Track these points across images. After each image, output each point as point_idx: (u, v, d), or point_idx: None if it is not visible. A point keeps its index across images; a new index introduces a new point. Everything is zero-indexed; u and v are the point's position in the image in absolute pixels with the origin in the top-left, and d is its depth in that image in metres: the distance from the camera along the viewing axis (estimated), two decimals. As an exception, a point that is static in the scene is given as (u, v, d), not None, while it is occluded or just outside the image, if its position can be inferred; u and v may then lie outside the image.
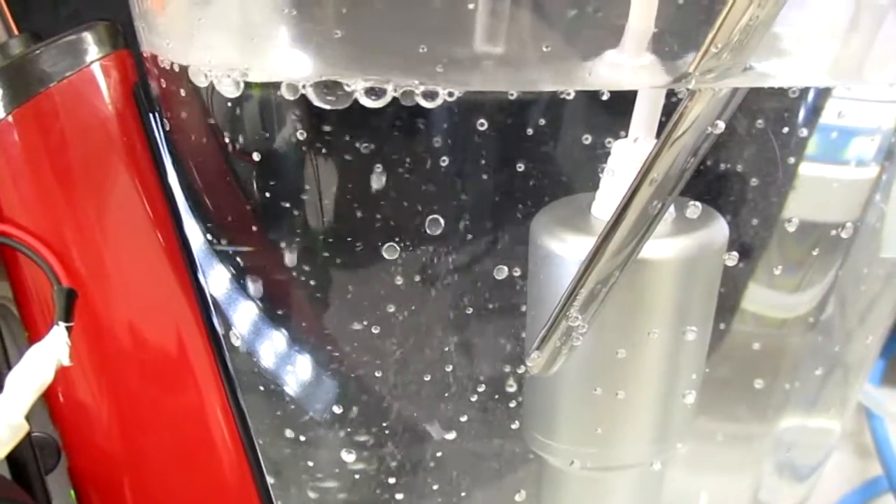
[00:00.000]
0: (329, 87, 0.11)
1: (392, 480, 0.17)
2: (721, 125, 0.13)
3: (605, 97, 0.15)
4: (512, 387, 0.17)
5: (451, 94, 0.12)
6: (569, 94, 0.15)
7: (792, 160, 0.17)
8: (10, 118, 0.13)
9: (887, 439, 0.31)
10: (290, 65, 0.12)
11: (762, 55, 0.15)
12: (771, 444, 0.21)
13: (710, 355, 0.17)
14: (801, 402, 0.19)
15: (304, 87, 0.12)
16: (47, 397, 0.13)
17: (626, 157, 0.15)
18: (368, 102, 0.12)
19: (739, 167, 0.17)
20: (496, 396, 0.17)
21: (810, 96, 0.17)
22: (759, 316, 0.18)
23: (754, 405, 0.20)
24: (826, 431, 0.20)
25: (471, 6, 0.12)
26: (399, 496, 0.17)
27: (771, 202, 0.17)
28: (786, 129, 0.17)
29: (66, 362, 0.10)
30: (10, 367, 0.13)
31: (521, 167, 0.16)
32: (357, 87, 0.11)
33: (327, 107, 0.12)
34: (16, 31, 0.15)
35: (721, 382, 0.19)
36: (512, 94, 0.15)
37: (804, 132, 0.17)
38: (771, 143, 0.16)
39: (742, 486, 0.22)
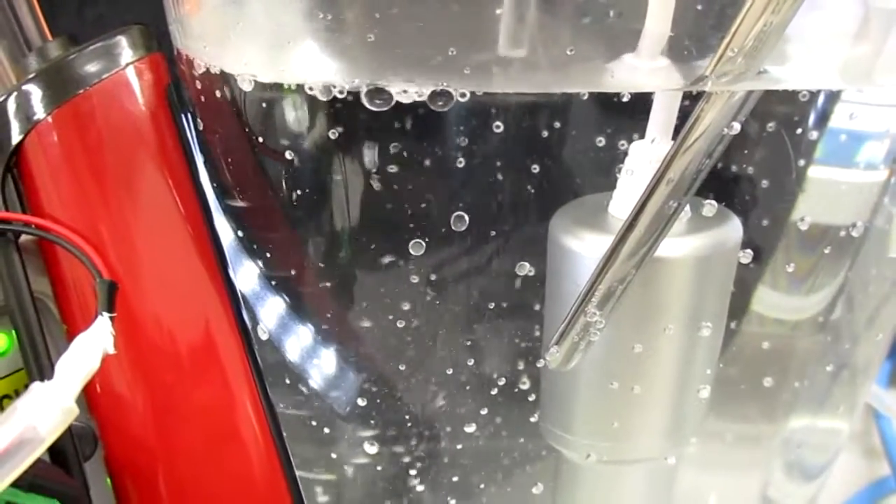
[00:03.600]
0: (366, 90, 0.12)
1: (413, 472, 0.17)
2: (736, 127, 0.13)
3: (623, 99, 0.15)
4: (528, 382, 0.18)
5: (463, 96, 0.12)
6: (587, 97, 0.16)
7: (803, 162, 0.17)
8: (49, 119, 0.14)
9: (894, 439, 0.32)
10: (325, 68, 0.13)
11: (776, 59, 0.15)
12: (780, 443, 0.21)
13: (722, 355, 0.18)
14: (809, 402, 0.20)
15: (340, 91, 0.12)
16: (85, 388, 0.13)
17: (643, 158, 0.16)
18: (404, 98, 0.12)
19: (752, 169, 0.17)
20: (515, 391, 0.17)
21: (821, 100, 0.17)
22: (769, 316, 0.18)
23: (764, 405, 0.20)
24: (834, 431, 0.20)
25: (498, 11, 0.12)
26: (420, 487, 0.17)
27: (782, 203, 0.17)
28: (798, 132, 0.17)
29: (111, 350, 0.11)
30: (49, 359, 0.14)
31: (540, 167, 0.17)
32: (393, 89, 0.12)
33: (373, 108, 0.12)
34: (49, 36, 0.16)
35: (731, 382, 0.19)
36: (533, 98, 0.16)
37: (815, 135, 0.17)
38: (783, 145, 0.17)
39: (751, 485, 0.22)
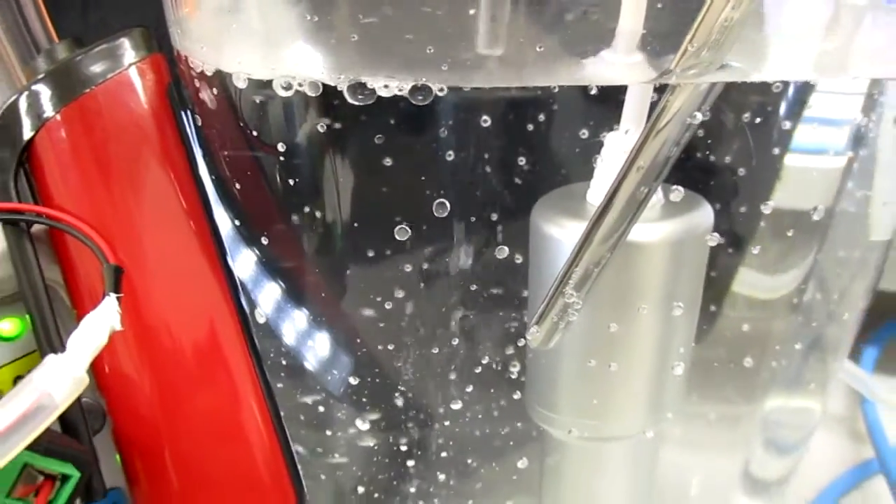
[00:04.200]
0: (348, 86, 0.13)
1: (404, 447, 0.18)
2: (699, 116, 0.14)
3: (599, 93, 0.16)
4: (515, 363, 0.19)
5: (441, 90, 0.13)
6: (568, 91, 0.16)
7: (777, 151, 0.18)
8: (58, 117, 0.15)
9: (879, 423, 0.33)
10: (312, 66, 0.14)
11: (740, 52, 0.16)
12: (759, 422, 0.22)
13: (699, 336, 0.19)
14: (784, 381, 0.20)
15: (325, 86, 0.13)
16: (94, 369, 0.14)
17: (617, 148, 0.17)
18: (385, 93, 0.13)
19: (726, 157, 0.18)
20: (501, 371, 0.18)
21: (793, 90, 0.18)
22: (741, 298, 0.19)
23: (741, 385, 0.21)
24: (808, 409, 0.21)
25: (472, 12, 0.13)
26: (410, 462, 0.18)
27: (754, 190, 0.18)
28: (772, 122, 0.18)
29: (118, 327, 0.12)
30: (60, 340, 0.15)
31: (522, 158, 0.18)
32: (375, 84, 0.13)
33: (356, 103, 0.13)
34: (55, 38, 0.17)
35: (710, 363, 0.20)
36: (515, 91, 0.17)
37: (789, 125, 0.18)
38: (757, 134, 0.18)
39: (734, 462, 0.23)
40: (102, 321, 0.11)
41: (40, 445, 0.11)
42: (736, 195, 0.18)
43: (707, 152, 0.18)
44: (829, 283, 0.19)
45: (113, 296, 0.12)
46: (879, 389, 0.32)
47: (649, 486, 0.20)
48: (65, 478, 0.11)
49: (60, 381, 0.10)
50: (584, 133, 0.17)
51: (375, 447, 0.18)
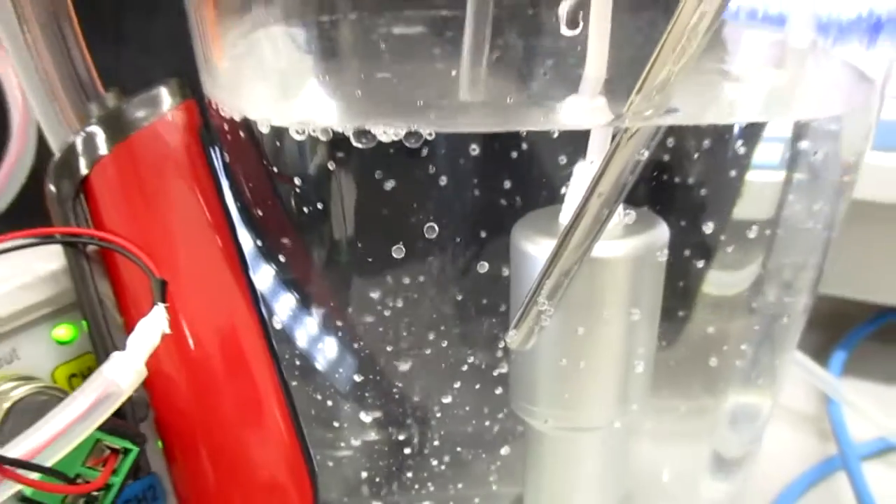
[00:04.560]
0: (354, 132, 0.16)
1: (402, 437, 0.21)
2: (645, 153, 0.17)
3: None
4: (498, 363, 0.21)
5: (430, 135, 0.16)
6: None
7: (734, 173, 0.21)
8: (109, 155, 0.17)
9: (842, 423, 0.35)
10: (323, 115, 0.16)
11: (687, 96, 0.19)
12: (718, 414, 0.24)
13: (662, 337, 0.21)
14: (737, 377, 0.23)
15: (335, 132, 0.16)
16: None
17: (583, 177, 0.19)
18: (384, 138, 0.16)
19: (682, 176, 0.21)
20: (487, 369, 0.21)
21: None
22: (700, 302, 0.22)
23: (701, 381, 0.24)
24: (760, 402, 0.24)
25: (454, 73, 0.16)
26: (407, 450, 0.21)
27: (706, 204, 0.21)
28: (730, 147, 0.21)
29: (167, 330, 0.14)
30: (112, 343, 0.17)
31: (507, 185, 0.20)
32: (376, 131, 0.15)
33: (358, 145, 0.16)
34: (101, 86, 0.20)
35: (672, 361, 0.23)
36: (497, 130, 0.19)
37: (744, 150, 0.21)
38: (704, 155, 0.21)
39: (701, 451, 0.26)
40: (154, 325, 0.14)
41: (106, 425, 0.13)
42: (696, 211, 0.21)
43: (670, 174, 0.21)
44: (775, 285, 0.22)
45: (161, 305, 0.14)
46: (845, 392, 0.35)
47: (621, 471, 0.23)
48: (126, 451, 0.14)
49: (125, 373, 0.13)
50: (563, 159, 0.20)
51: (377, 437, 0.21)
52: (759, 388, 0.23)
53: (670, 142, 0.20)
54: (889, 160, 0.31)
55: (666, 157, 0.21)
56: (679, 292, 0.21)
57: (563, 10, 0.16)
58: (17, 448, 0.12)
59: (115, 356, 0.13)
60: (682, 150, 0.21)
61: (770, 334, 0.22)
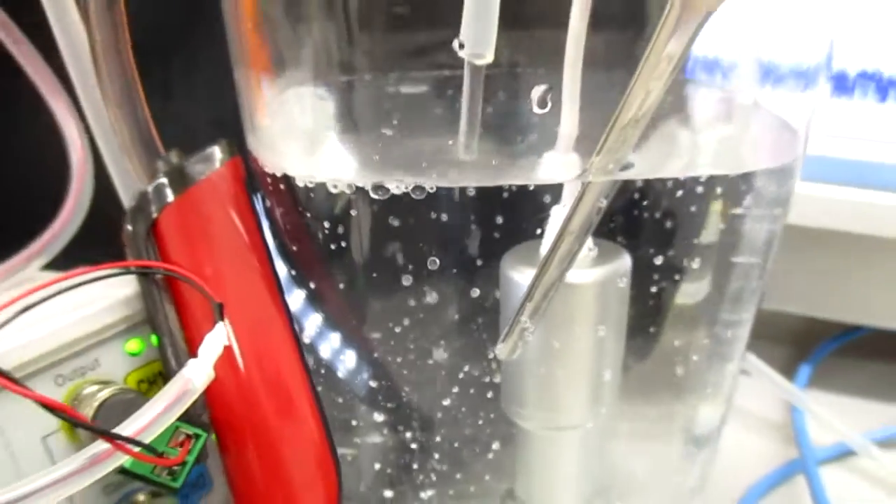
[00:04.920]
0: (371, 186, 0.20)
1: (409, 434, 0.24)
2: (604, 202, 0.21)
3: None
4: (492, 373, 0.25)
5: (433, 188, 0.20)
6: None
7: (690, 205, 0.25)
8: (174, 202, 0.22)
9: (804, 430, 0.38)
10: (345, 173, 0.20)
11: (643, 155, 0.23)
12: (680, 417, 0.28)
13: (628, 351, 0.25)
14: (694, 384, 0.27)
15: (356, 186, 0.20)
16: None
17: (558, 218, 0.23)
18: (396, 191, 0.20)
19: (643, 215, 0.25)
20: (482, 378, 0.25)
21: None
22: (661, 317, 0.26)
23: (666, 388, 0.27)
24: (716, 407, 0.28)
25: (450, 142, 0.20)
26: (414, 445, 0.25)
27: (659, 237, 0.25)
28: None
29: (227, 343, 0.18)
30: (179, 359, 0.21)
31: (497, 223, 0.24)
32: (390, 185, 0.20)
33: (375, 196, 0.20)
34: (161, 146, 0.24)
35: (639, 370, 0.26)
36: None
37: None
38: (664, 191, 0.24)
39: (669, 451, 0.29)
40: (217, 339, 0.18)
41: (183, 416, 0.17)
42: (657, 243, 0.25)
43: (636, 212, 0.25)
44: (721, 305, 0.26)
45: (222, 323, 0.18)
46: (807, 401, 0.38)
47: (597, 465, 0.27)
48: (197, 437, 0.18)
49: (198, 375, 0.17)
50: (544, 202, 0.24)
51: (387, 435, 0.25)
52: (710, 395, 0.27)
53: (637, 185, 0.24)
54: (830, 192, 0.35)
55: (634, 196, 0.25)
56: (640, 312, 0.25)
57: (535, 94, 0.20)
58: (124, 429, 0.16)
59: (191, 362, 0.17)
60: (644, 192, 0.25)
61: (717, 347, 0.26)
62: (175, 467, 0.18)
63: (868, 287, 0.41)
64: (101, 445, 0.15)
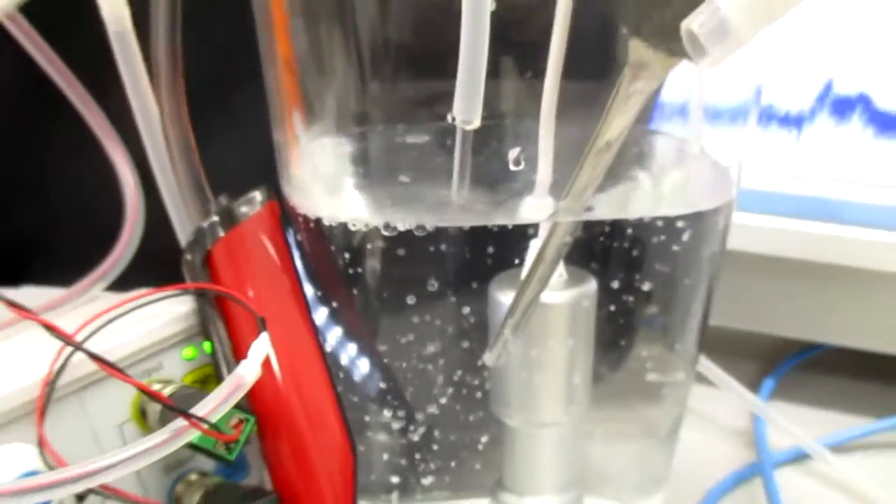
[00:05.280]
0: (383, 224, 0.25)
1: (412, 428, 0.29)
2: (569, 239, 0.26)
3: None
4: (483, 375, 0.30)
5: (431, 227, 0.25)
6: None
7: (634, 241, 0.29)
8: (224, 237, 0.27)
9: (764, 436, 0.42)
10: (361, 214, 0.26)
11: (603, 199, 0.28)
12: (644, 421, 0.33)
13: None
14: (649, 391, 0.32)
15: (369, 225, 0.25)
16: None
17: (535, 249, 0.28)
18: (401, 228, 0.25)
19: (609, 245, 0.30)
20: (477, 383, 0.30)
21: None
22: (622, 331, 0.31)
23: (634, 394, 0.32)
24: (672, 411, 0.32)
25: (445, 192, 0.25)
26: (415, 437, 0.29)
27: (622, 264, 0.29)
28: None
29: (269, 349, 0.23)
30: (228, 363, 0.26)
31: (487, 253, 0.29)
32: (398, 224, 0.25)
33: (386, 233, 0.25)
34: (211, 197, 0.29)
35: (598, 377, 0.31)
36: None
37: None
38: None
39: (629, 446, 0.34)
40: (262, 346, 0.23)
41: (236, 404, 0.22)
42: (621, 270, 0.30)
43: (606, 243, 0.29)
44: (673, 318, 0.30)
45: (265, 333, 0.23)
46: (768, 410, 0.43)
47: (572, 457, 0.31)
48: (247, 420, 0.23)
49: (249, 372, 0.22)
50: (528, 234, 0.29)
51: (394, 430, 0.30)
52: (665, 397, 0.32)
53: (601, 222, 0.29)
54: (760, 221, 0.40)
55: (600, 231, 0.29)
56: (605, 327, 0.30)
57: (511, 155, 0.25)
58: (197, 411, 0.20)
59: (243, 363, 0.22)
60: (606, 228, 0.30)
61: (669, 357, 0.31)
62: (231, 444, 0.23)
63: (826, 308, 0.45)
64: (179, 423, 0.20)
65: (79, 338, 0.22)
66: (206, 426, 0.20)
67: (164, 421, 0.22)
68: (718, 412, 0.45)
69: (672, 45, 0.21)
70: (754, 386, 0.46)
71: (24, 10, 0.30)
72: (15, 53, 0.30)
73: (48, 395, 0.21)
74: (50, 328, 0.20)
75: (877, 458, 0.41)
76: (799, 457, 0.41)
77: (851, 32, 0.40)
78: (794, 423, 0.39)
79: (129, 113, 0.29)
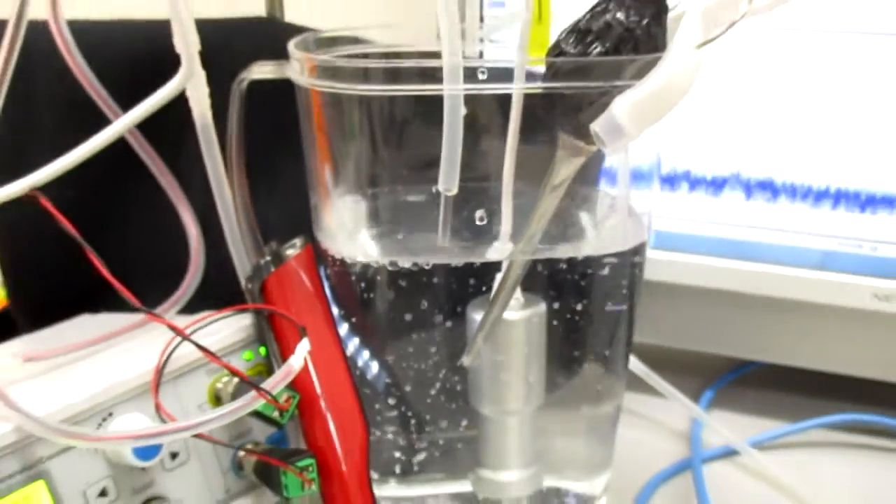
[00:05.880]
0: (389, 262, 0.35)
1: (409, 413, 0.39)
2: (521, 272, 0.36)
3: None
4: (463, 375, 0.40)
5: (426, 264, 0.35)
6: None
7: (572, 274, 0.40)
8: (275, 272, 0.37)
9: (698, 436, 0.50)
10: (374, 254, 0.36)
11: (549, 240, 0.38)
12: (585, 419, 0.42)
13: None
14: (586, 391, 0.41)
15: (380, 263, 0.36)
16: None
17: (498, 280, 0.38)
18: (403, 266, 0.36)
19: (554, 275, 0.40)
20: (456, 378, 0.39)
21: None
22: (570, 342, 0.40)
23: (580, 396, 0.42)
24: (610, 412, 0.42)
25: (434, 239, 0.35)
26: (413, 422, 0.39)
27: (565, 291, 0.39)
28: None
29: (309, 347, 0.33)
30: (278, 361, 0.36)
31: (468, 283, 0.40)
32: (401, 262, 0.35)
33: (391, 269, 0.35)
34: (262, 243, 0.39)
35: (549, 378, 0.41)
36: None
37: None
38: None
39: (575, 437, 0.43)
40: (303, 348, 0.33)
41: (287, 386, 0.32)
42: (564, 296, 0.40)
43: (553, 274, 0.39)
44: (600, 337, 0.40)
45: (306, 339, 0.34)
46: (704, 415, 0.52)
47: (532, 440, 0.39)
48: (294, 396, 0.33)
49: (296, 362, 0.32)
50: (496, 268, 0.39)
51: (396, 414, 0.39)
52: (602, 395, 0.42)
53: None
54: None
55: (555, 266, 0.39)
56: (552, 339, 0.40)
57: (478, 214, 0.36)
58: (265, 386, 0.30)
59: (291, 357, 0.32)
60: (553, 265, 0.40)
61: (602, 362, 0.41)
62: (283, 412, 0.32)
63: (756, 331, 0.55)
64: (252, 394, 0.30)
65: (182, 338, 0.32)
66: (269, 396, 0.30)
67: (236, 398, 0.32)
68: (664, 418, 0.54)
69: (586, 138, 0.32)
70: (696, 397, 0.55)
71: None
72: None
73: (160, 376, 0.31)
74: (173, 328, 0.30)
75: (792, 455, 0.50)
76: (728, 453, 0.50)
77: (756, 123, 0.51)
78: (727, 427, 0.47)
79: (194, 181, 0.40)
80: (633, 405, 0.50)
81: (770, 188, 0.52)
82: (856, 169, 0.48)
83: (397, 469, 0.39)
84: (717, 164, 0.51)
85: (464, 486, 0.37)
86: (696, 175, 0.51)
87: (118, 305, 0.42)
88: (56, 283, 0.40)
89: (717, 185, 0.51)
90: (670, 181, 0.52)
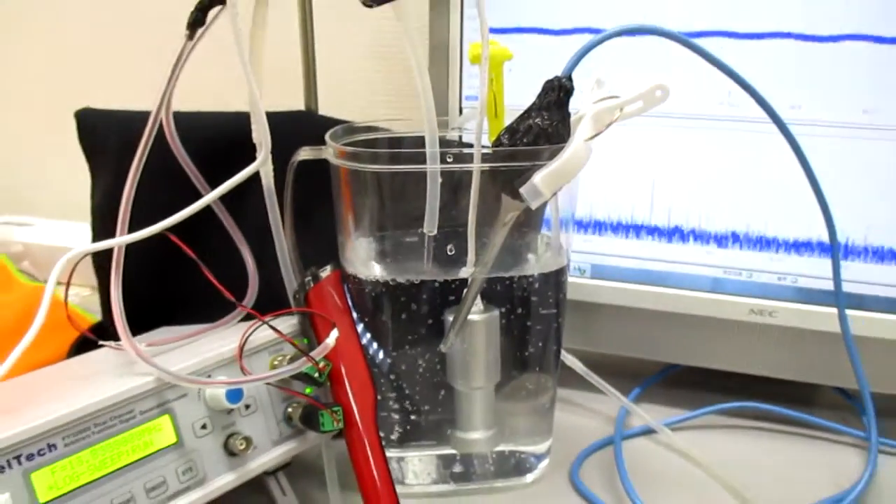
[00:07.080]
0: (391, 279, 0.53)
1: (408, 391, 0.56)
2: (480, 286, 0.53)
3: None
4: (443, 357, 0.56)
5: (418, 281, 0.53)
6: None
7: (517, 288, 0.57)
8: (314, 288, 0.54)
9: (622, 418, 0.62)
10: (382, 273, 0.53)
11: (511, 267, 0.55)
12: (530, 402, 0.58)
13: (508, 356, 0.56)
14: (532, 371, 0.58)
15: (384, 279, 0.53)
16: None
17: (465, 292, 0.56)
18: (402, 282, 0.53)
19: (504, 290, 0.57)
20: (436, 360, 0.56)
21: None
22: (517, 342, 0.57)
23: (526, 384, 0.58)
24: (544, 393, 0.59)
25: (421, 264, 0.53)
26: (407, 404, 0.56)
27: (513, 301, 0.57)
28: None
29: (337, 334, 0.50)
30: (310, 343, 0.53)
31: (449, 296, 0.57)
32: (399, 279, 0.52)
33: (392, 284, 0.53)
34: (302, 269, 0.57)
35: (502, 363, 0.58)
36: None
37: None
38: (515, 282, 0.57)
39: (524, 408, 0.60)
40: (334, 335, 0.50)
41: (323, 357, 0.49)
42: (513, 304, 0.57)
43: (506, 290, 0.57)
44: (540, 330, 0.57)
45: (336, 329, 0.51)
46: (627, 401, 0.67)
47: (493, 412, 0.55)
48: (329, 364, 0.49)
49: (330, 341, 0.49)
50: (465, 283, 0.57)
51: (394, 389, 0.56)
52: (542, 380, 0.58)
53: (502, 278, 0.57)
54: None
55: (505, 282, 0.57)
56: (504, 336, 0.57)
57: (448, 247, 0.53)
58: (312, 353, 0.47)
59: (327, 339, 0.49)
60: (505, 282, 0.57)
61: (540, 353, 0.58)
62: (321, 373, 0.49)
63: (677, 340, 0.70)
64: (303, 359, 0.47)
65: (262, 322, 0.49)
66: (314, 361, 0.47)
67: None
68: (599, 408, 0.69)
69: (519, 197, 0.50)
70: (626, 392, 0.71)
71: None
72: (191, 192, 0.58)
73: (242, 349, 0.48)
74: (257, 316, 0.47)
75: (694, 434, 0.65)
76: (646, 431, 0.65)
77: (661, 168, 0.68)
78: (647, 412, 0.63)
79: (250, 228, 0.58)
80: (574, 398, 0.65)
81: (678, 232, 0.70)
82: (734, 218, 0.66)
83: (397, 432, 0.56)
84: (639, 215, 0.69)
85: (445, 450, 0.52)
86: (625, 223, 0.70)
87: (186, 321, 0.60)
88: (142, 307, 0.50)
89: (636, 230, 0.69)
90: (609, 228, 0.70)
